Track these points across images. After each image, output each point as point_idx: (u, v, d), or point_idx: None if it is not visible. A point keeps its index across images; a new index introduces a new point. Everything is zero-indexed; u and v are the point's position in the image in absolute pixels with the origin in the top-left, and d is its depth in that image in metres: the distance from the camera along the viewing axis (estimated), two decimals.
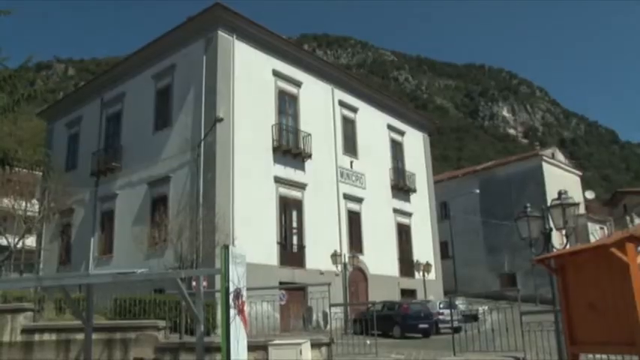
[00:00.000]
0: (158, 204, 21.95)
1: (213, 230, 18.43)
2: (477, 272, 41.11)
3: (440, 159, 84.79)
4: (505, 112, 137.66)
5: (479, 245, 42.50)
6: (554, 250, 9.33)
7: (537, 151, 44.02)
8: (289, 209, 23.55)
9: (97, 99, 27.75)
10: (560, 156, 45.63)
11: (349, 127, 28.39)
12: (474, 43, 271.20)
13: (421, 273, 29.84)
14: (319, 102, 26.60)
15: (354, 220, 26.99)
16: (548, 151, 44.53)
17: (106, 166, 25.36)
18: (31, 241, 27.03)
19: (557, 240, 11.05)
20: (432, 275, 30.93)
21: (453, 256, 37.63)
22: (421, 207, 32.56)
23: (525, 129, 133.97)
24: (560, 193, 9.85)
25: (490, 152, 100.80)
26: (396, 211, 30.22)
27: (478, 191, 40.72)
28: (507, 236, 36.62)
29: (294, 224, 23.65)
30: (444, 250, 36.06)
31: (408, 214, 31.21)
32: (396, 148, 31.82)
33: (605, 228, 43.37)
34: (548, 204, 10.05)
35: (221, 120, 20.75)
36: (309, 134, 24.78)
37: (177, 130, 22.71)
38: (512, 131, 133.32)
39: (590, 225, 40.68)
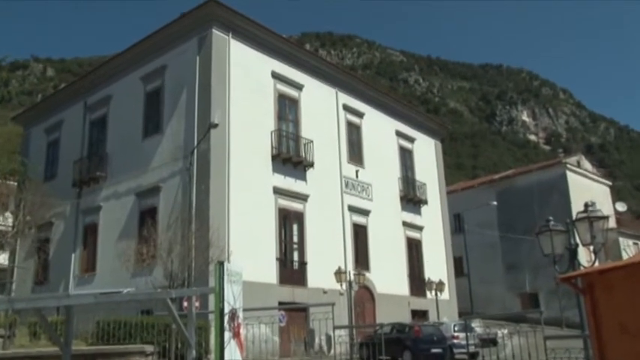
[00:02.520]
0: (146, 217, 21.93)
1: (207, 245, 18.43)
2: (495, 291, 40.96)
3: (453, 167, 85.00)
4: (525, 117, 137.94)
5: (497, 262, 42.37)
6: (581, 267, 9.27)
7: (561, 159, 44.00)
8: (289, 222, 23.55)
9: (80, 102, 27.91)
10: (586, 164, 45.61)
11: (354, 134, 28.48)
12: (491, 41, 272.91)
13: (433, 292, 29.75)
14: (322, 106, 26.72)
15: (360, 235, 26.99)
16: (573, 159, 44.52)
17: (89, 175, 25.45)
18: (2, 259, 27.03)
19: (585, 256, 10.99)
20: (445, 295, 30.83)
21: (469, 273, 37.53)
22: (433, 220, 32.57)
23: (547, 135, 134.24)
24: (586, 205, 9.82)
25: (508, 160, 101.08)
26: (405, 224, 30.22)
27: (495, 203, 40.67)
28: (528, 252, 36.51)
29: (295, 239, 23.66)
30: (459, 267, 35.98)
31: (419, 228, 31.20)
32: (406, 156, 31.90)
33: None
34: (574, 217, 10.02)
35: (216, 126, 20.83)
36: (311, 141, 24.84)
37: (168, 136, 22.81)
38: (532, 137, 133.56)
39: (622, 240, 40.61)
